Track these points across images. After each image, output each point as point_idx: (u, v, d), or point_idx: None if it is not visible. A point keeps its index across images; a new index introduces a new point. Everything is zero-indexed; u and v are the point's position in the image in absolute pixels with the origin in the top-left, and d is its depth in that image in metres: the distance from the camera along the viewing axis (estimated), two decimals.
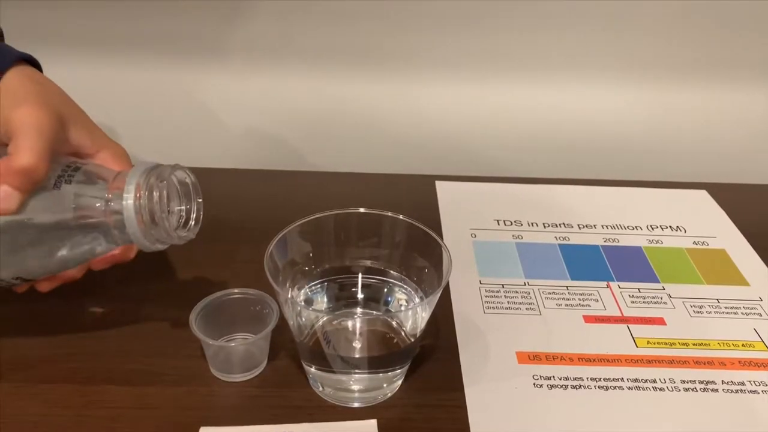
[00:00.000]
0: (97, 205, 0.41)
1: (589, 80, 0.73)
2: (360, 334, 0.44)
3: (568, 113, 0.74)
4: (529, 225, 0.61)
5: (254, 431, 0.40)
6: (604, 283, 0.54)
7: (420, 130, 0.75)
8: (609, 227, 0.62)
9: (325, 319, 0.44)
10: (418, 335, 0.43)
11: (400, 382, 0.44)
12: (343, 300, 0.47)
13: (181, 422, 0.41)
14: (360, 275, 0.47)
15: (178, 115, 0.75)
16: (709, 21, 0.69)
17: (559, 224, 0.62)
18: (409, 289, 0.46)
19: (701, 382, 0.45)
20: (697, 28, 0.70)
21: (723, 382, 0.46)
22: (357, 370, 0.43)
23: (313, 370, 0.43)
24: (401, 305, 0.46)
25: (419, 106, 0.74)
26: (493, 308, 0.51)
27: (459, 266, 0.54)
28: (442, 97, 0.74)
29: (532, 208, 0.64)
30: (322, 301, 0.47)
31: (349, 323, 0.45)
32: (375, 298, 0.47)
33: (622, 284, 0.54)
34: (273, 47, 0.71)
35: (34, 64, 0.46)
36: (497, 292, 0.53)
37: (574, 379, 0.45)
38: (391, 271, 0.47)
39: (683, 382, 0.45)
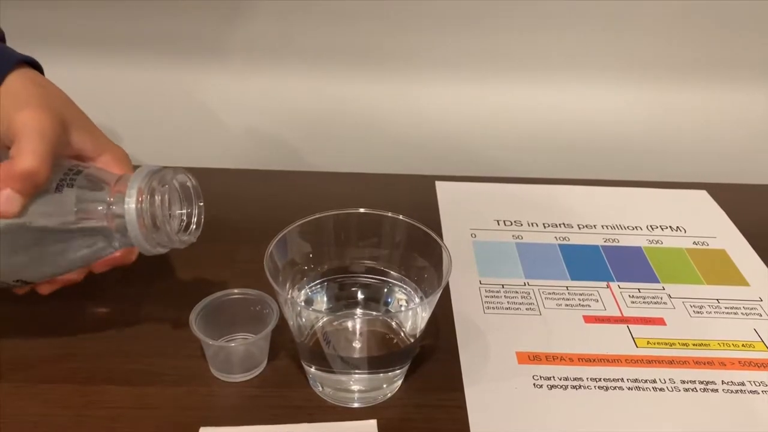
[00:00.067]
0: (99, 208, 0.41)
1: (589, 80, 0.73)
2: (360, 334, 0.44)
3: (568, 113, 0.74)
4: (529, 225, 0.61)
5: (254, 431, 0.40)
6: (604, 284, 0.54)
7: (420, 130, 0.75)
8: (609, 227, 0.62)
9: (325, 319, 0.44)
10: (418, 335, 0.43)
11: (400, 382, 0.44)
12: (343, 300, 0.47)
13: (181, 422, 0.41)
14: (360, 275, 0.47)
15: (178, 115, 0.75)
16: (709, 21, 0.69)
17: (559, 224, 0.62)
18: (409, 289, 0.46)
19: (701, 383, 0.45)
20: (697, 28, 0.70)
21: (723, 382, 0.46)
22: (357, 371, 0.43)
23: (313, 370, 0.43)
24: (401, 305, 0.46)
25: (419, 106, 0.74)
26: (493, 308, 0.51)
27: (459, 266, 0.54)
28: (442, 97, 0.74)
29: (532, 208, 0.64)
30: (322, 302, 0.47)
31: (349, 323, 0.45)
32: (375, 298, 0.47)
33: (622, 284, 0.54)
34: (273, 47, 0.71)
35: (35, 66, 0.46)
36: (497, 292, 0.53)
37: (574, 379, 0.45)
38: (391, 272, 0.47)
39: (683, 382, 0.45)
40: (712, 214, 0.65)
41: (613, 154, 0.75)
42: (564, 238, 0.60)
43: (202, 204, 0.45)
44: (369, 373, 0.43)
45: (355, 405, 0.43)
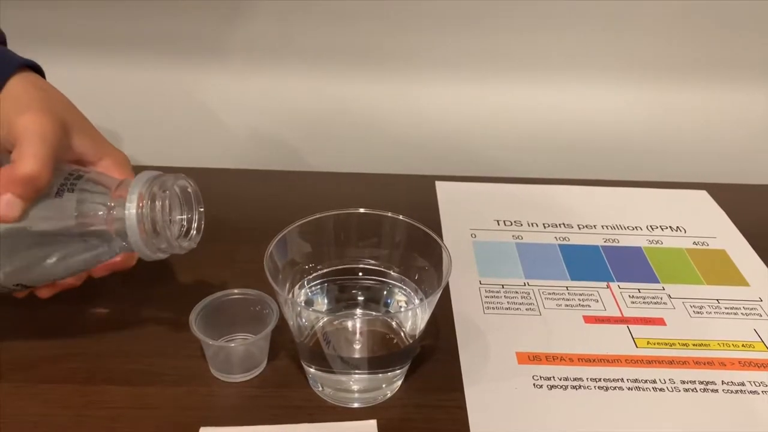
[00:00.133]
0: (100, 213, 0.41)
1: (589, 80, 0.73)
2: (360, 334, 0.44)
3: (568, 113, 0.74)
4: (529, 225, 0.61)
5: (254, 431, 0.40)
6: (604, 284, 0.54)
7: (420, 130, 0.75)
8: (609, 227, 0.62)
9: (325, 319, 0.44)
10: (417, 336, 0.43)
11: (399, 382, 0.44)
12: (343, 300, 0.47)
13: (181, 422, 0.41)
14: (360, 276, 0.47)
15: (178, 115, 0.75)
16: (709, 21, 0.69)
17: (559, 224, 0.62)
18: (408, 289, 0.46)
19: (701, 383, 0.45)
20: (697, 28, 0.70)
21: (723, 382, 0.46)
22: (357, 371, 0.43)
23: (312, 370, 0.43)
24: (401, 306, 0.46)
25: (419, 106, 0.74)
26: (493, 308, 0.51)
27: (459, 266, 0.54)
28: (442, 97, 0.74)
29: (532, 208, 0.64)
30: (322, 302, 0.47)
31: (349, 324, 0.45)
32: (375, 298, 0.47)
33: (622, 284, 0.54)
34: (273, 47, 0.71)
35: (37, 70, 0.46)
36: (497, 292, 0.53)
37: (574, 379, 0.45)
38: (391, 272, 0.47)
39: (683, 382, 0.45)
40: (712, 214, 0.65)
41: (613, 154, 0.75)
42: (564, 238, 0.60)
43: (202, 209, 0.45)
44: (369, 374, 0.43)
45: (355, 405, 0.43)
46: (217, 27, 0.70)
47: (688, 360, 0.47)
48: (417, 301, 0.45)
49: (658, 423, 0.43)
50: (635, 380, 0.45)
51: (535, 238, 0.60)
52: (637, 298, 0.53)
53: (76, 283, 0.46)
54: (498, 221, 0.62)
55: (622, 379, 0.45)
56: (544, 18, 0.69)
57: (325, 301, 0.47)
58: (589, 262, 0.57)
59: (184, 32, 0.70)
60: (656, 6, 0.68)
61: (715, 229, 0.62)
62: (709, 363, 0.47)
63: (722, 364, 0.47)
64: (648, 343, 0.49)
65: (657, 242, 0.60)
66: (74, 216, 0.40)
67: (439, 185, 0.67)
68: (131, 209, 0.40)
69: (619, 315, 0.51)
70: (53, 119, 0.41)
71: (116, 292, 0.50)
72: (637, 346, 0.48)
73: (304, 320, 0.42)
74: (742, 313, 0.52)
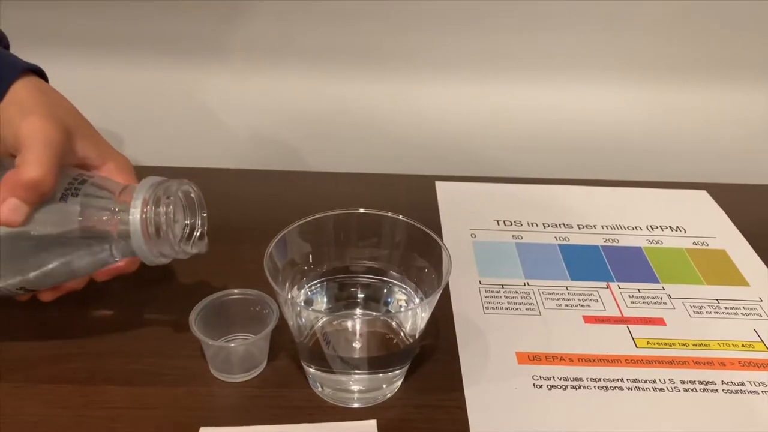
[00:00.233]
0: (104, 218, 0.41)
1: (589, 80, 0.73)
2: (360, 334, 0.44)
3: (568, 113, 0.74)
4: (528, 225, 0.61)
5: (254, 431, 0.40)
6: (604, 284, 0.54)
7: (420, 130, 0.75)
8: (609, 227, 0.62)
9: (324, 319, 0.44)
10: (417, 336, 0.43)
11: (399, 382, 0.44)
12: (342, 300, 0.47)
13: (181, 422, 0.41)
14: (360, 275, 0.47)
15: (178, 115, 0.75)
16: (709, 21, 0.69)
17: (559, 224, 0.62)
18: (408, 289, 0.46)
19: (701, 383, 0.45)
20: (697, 28, 0.70)
21: (723, 382, 0.46)
22: (357, 371, 0.43)
23: (312, 370, 0.43)
24: (401, 306, 0.46)
25: (419, 106, 0.74)
26: (493, 308, 0.51)
27: (459, 266, 0.54)
28: (442, 97, 0.74)
29: (532, 209, 0.64)
30: (321, 302, 0.47)
31: (349, 324, 0.45)
32: (375, 298, 0.47)
33: (622, 284, 0.54)
34: (273, 47, 0.71)
35: (40, 74, 0.46)
36: (497, 292, 0.53)
37: (574, 379, 0.45)
38: (391, 272, 0.47)
39: (683, 382, 0.45)
40: (712, 214, 0.65)
41: (612, 154, 0.75)
42: (564, 239, 0.60)
43: (205, 215, 0.45)
44: (369, 374, 0.43)
45: (355, 405, 0.43)
46: (217, 27, 0.70)
47: (688, 360, 0.47)
48: (417, 301, 0.45)
49: (658, 423, 0.43)
50: (635, 380, 0.45)
51: (535, 238, 0.60)
52: (637, 298, 0.53)
53: (78, 286, 0.46)
54: (498, 221, 0.62)
55: (622, 379, 0.45)
56: (544, 18, 0.69)
57: (325, 300, 0.47)
58: (589, 262, 0.57)
59: (184, 32, 0.70)
60: (656, 6, 0.68)
61: (715, 229, 0.62)
62: (708, 363, 0.47)
63: (722, 364, 0.47)
64: (648, 343, 0.49)
65: (657, 242, 0.60)
66: (78, 220, 0.40)
67: (439, 185, 0.67)
68: (135, 214, 0.40)
69: (619, 315, 0.51)
70: (57, 124, 0.41)
71: (116, 292, 0.50)
72: (636, 346, 0.48)
73: (303, 320, 0.42)
74: (742, 313, 0.52)
